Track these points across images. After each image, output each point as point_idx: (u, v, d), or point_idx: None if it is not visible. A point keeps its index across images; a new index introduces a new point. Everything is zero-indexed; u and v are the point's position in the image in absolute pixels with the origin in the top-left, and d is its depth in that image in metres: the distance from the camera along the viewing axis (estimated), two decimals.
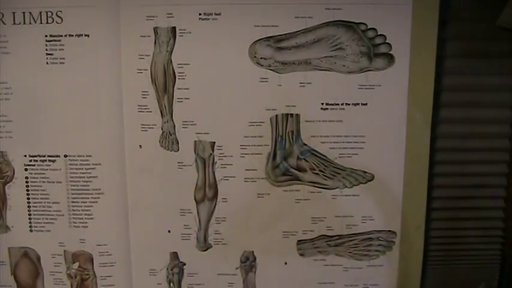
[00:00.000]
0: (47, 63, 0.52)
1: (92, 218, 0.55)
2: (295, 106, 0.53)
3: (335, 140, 0.54)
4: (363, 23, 0.51)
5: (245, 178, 0.54)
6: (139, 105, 0.53)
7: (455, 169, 0.57)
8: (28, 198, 0.55)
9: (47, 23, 0.51)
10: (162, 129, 0.53)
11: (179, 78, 0.52)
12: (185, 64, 0.52)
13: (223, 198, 0.55)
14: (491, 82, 0.55)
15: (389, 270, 0.57)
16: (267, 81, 0.52)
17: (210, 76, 0.52)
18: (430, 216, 0.57)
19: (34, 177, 0.55)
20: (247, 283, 0.58)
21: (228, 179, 0.54)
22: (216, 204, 0.55)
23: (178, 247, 0.57)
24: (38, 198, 0.55)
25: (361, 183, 0.55)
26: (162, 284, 0.58)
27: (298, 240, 0.56)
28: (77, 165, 0.54)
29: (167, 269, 0.57)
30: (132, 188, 0.55)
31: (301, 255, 0.57)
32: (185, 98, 0.53)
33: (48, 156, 0.54)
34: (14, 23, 0.51)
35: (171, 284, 0.58)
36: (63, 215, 0.56)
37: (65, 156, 0.54)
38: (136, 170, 0.54)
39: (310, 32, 0.51)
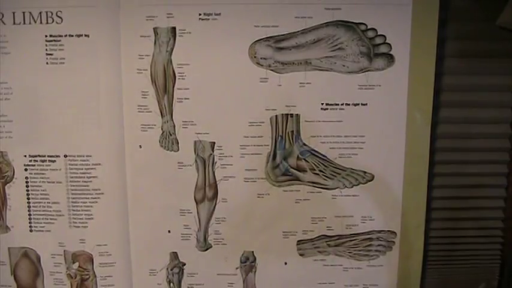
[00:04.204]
0: (47, 63, 0.52)
1: (92, 218, 0.55)
2: (295, 106, 0.53)
3: (335, 140, 0.54)
4: (363, 23, 0.51)
5: (245, 178, 0.54)
6: (139, 105, 0.53)
7: (455, 169, 0.57)
8: (28, 198, 0.55)
9: (47, 23, 0.51)
10: (162, 129, 0.53)
11: (179, 78, 0.52)
12: (185, 64, 0.52)
13: (223, 198, 0.55)
14: (491, 82, 0.55)
15: (389, 270, 0.57)
16: (267, 81, 0.52)
17: (210, 76, 0.52)
18: (430, 216, 0.57)
19: (34, 177, 0.55)
20: (247, 283, 0.58)
21: (228, 179, 0.54)
22: (216, 204, 0.55)
23: (178, 247, 0.57)
24: (38, 198, 0.55)
25: (361, 183, 0.55)
26: (162, 284, 0.58)
27: (298, 240, 0.56)
28: (77, 165, 0.54)
29: (167, 269, 0.57)
30: (132, 188, 0.55)
31: (301, 255, 0.57)
32: (185, 98, 0.53)
33: (48, 156, 0.54)
34: (14, 23, 0.51)
35: (171, 284, 0.58)
36: (63, 215, 0.56)
37: (65, 156, 0.54)
38: (136, 170, 0.54)
39: (310, 32, 0.51)
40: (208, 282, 0.58)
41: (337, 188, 0.55)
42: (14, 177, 0.55)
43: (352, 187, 0.55)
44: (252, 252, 0.57)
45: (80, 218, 0.55)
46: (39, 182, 0.55)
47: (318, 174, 0.54)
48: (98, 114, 0.53)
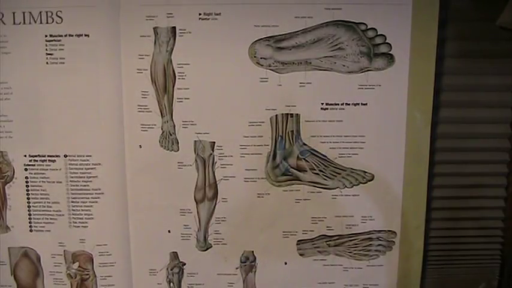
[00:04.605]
0: (47, 63, 0.52)
1: (92, 218, 0.55)
2: (295, 106, 0.53)
3: (335, 140, 0.54)
4: (363, 23, 0.51)
5: (245, 178, 0.54)
6: (139, 105, 0.53)
7: (455, 169, 0.57)
8: (28, 198, 0.55)
9: (47, 23, 0.51)
10: (162, 129, 0.53)
11: (179, 78, 0.52)
12: (185, 64, 0.52)
13: (223, 198, 0.55)
14: (491, 82, 0.55)
15: (389, 270, 0.57)
16: (267, 81, 0.52)
17: (210, 76, 0.52)
18: (430, 216, 0.57)
19: (34, 177, 0.55)
20: (247, 283, 0.58)
21: (228, 179, 0.54)
22: (216, 204, 0.55)
23: (178, 247, 0.57)
24: (38, 198, 0.55)
25: (361, 183, 0.55)
26: (162, 284, 0.58)
27: (298, 240, 0.56)
28: (77, 165, 0.54)
29: (167, 269, 0.57)
30: (132, 188, 0.55)
31: (301, 255, 0.57)
32: (185, 98, 0.53)
33: (48, 156, 0.54)
34: (14, 23, 0.51)
35: (171, 284, 0.58)
36: (63, 215, 0.55)
37: (65, 156, 0.54)
38: (136, 170, 0.54)
39: (310, 32, 0.51)
40: (208, 282, 0.58)
41: (337, 187, 0.55)
42: (14, 177, 0.55)
43: (352, 187, 0.55)
44: (252, 252, 0.57)
45: (80, 218, 0.55)
46: (39, 182, 0.55)
47: (318, 174, 0.54)
48: (98, 114, 0.53)
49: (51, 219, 0.56)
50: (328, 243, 0.57)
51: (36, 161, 0.54)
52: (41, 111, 0.53)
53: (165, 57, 0.52)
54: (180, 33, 0.51)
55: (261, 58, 0.51)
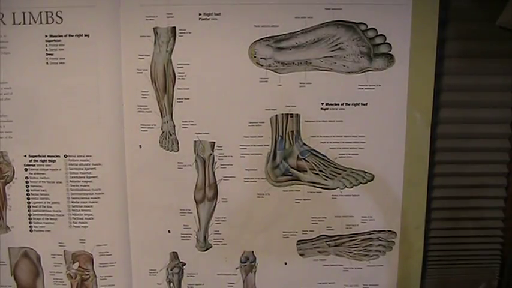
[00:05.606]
0: (47, 63, 0.52)
1: (92, 218, 0.55)
2: (295, 106, 0.53)
3: (335, 140, 0.54)
4: (363, 23, 0.51)
5: (245, 178, 0.54)
6: (139, 105, 0.53)
7: (455, 169, 0.57)
8: (28, 198, 0.55)
9: (47, 23, 0.51)
10: (162, 129, 0.53)
11: (179, 78, 0.52)
12: (185, 64, 0.52)
13: (223, 198, 0.55)
14: (491, 82, 0.55)
15: (389, 270, 0.57)
16: (267, 81, 0.52)
17: (210, 76, 0.52)
18: (430, 216, 0.57)
19: (34, 177, 0.55)
20: (247, 283, 0.58)
21: (228, 179, 0.54)
22: (216, 204, 0.55)
23: (178, 247, 0.57)
24: (38, 198, 0.55)
25: (361, 183, 0.55)
26: (162, 284, 0.58)
27: (298, 240, 0.56)
28: (77, 165, 0.54)
29: (167, 269, 0.57)
30: (132, 188, 0.55)
31: (301, 255, 0.57)
32: (185, 98, 0.53)
33: (48, 156, 0.54)
34: (14, 23, 0.51)
35: (171, 284, 0.58)
36: (63, 215, 0.56)
37: (65, 156, 0.54)
38: (136, 170, 0.54)
39: (310, 32, 0.51)
40: (208, 282, 0.58)
41: (337, 188, 0.55)
42: (14, 177, 0.55)
43: (352, 187, 0.55)
44: (252, 252, 0.57)
45: (80, 218, 0.55)
46: (39, 182, 0.55)
47: (318, 174, 0.54)
48: (98, 114, 0.53)
49: (51, 219, 0.56)
50: (328, 243, 0.57)
51: (36, 161, 0.54)
52: (41, 111, 0.53)
53: (165, 57, 0.52)
54: (180, 33, 0.51)
55: (261, 58, 0.51)
